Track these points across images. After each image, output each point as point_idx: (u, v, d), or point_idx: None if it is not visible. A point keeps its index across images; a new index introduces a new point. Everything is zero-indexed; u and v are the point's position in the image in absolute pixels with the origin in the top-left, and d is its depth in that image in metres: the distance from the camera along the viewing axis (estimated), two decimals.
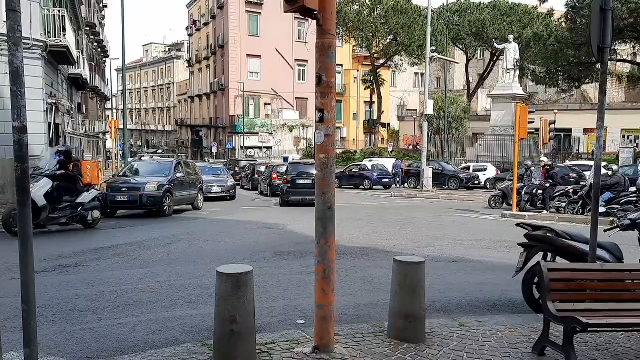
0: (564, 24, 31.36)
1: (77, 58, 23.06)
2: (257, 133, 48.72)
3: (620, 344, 4.57)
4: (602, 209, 10.69)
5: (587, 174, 19.80)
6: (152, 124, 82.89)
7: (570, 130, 37.18)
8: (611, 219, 9.06)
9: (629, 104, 38.50)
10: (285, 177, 19.22)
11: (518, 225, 6.28)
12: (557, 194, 15.99)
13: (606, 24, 5.01)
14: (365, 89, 52.42)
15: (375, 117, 50.21)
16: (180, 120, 69.91)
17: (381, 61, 47.65)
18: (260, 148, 49.03)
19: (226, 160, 40.81)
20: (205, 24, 57.30)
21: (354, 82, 54.08)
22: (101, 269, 7.76)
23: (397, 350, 4.21)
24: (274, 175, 22.91)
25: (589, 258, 5.15)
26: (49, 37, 16.54)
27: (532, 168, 17.11)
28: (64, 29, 17.33)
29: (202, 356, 4.00)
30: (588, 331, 3.90)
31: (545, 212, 15.55)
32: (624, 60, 34.45)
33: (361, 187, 28.61)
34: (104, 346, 4.51)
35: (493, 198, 17.89)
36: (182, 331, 4.91)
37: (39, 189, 10.79)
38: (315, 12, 3.84)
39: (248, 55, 49.16)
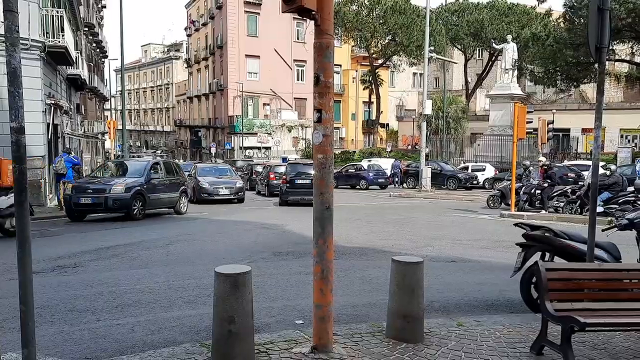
0: (562, 24, 31.49)
1: (76, 58, 23.01)
2: (256, 133, 48.70)
3: (618, 343, 4.58)
4: (600, 209, 10.70)
5: (585, 173, 19.86)
6: (150, 124, 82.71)
7: (568, 130, 37.19)
8: (609, 218, 9.09)
9: (627, 103, 38.51)
10: (284, 177, 19.24)
11: (516, 225, 6.30)
12: (555, 194, 16.00)
13: (604, 24, 5.02)
14: (363, 89, 52.43)
15: (373, 117, 50.18)
16: (179, 120, 69.76)
17: (380, 61, 47.64)
18: (259, 148, 49.01)
19: (223, 161, 40.76)
20: (204, 24, 57.19)
21: (353, 82, 54.05)
22: (100, 270, 7.75)
23: (395, 350, 4.22)
24: (272, 176, 22.91)
25: (587, 258, 5.16)
26: (47, 37, 16.53)
27: (531, 168, 17.13)
28: (63, 30, 17.29)
29: (200, 356, 4.00)
30: (586, 331, 3.91)
31: (543, 211, 15.56)
32: (622, 60, 34.55)
33: (357, 187, 28.65)
34: (102, 346, 4.52)
35: (491, 198, 17.93)
36: (181, 331, 4.92)
37: None
38: (313, 12, 3.85)
39: (247, 56, 49.12)
